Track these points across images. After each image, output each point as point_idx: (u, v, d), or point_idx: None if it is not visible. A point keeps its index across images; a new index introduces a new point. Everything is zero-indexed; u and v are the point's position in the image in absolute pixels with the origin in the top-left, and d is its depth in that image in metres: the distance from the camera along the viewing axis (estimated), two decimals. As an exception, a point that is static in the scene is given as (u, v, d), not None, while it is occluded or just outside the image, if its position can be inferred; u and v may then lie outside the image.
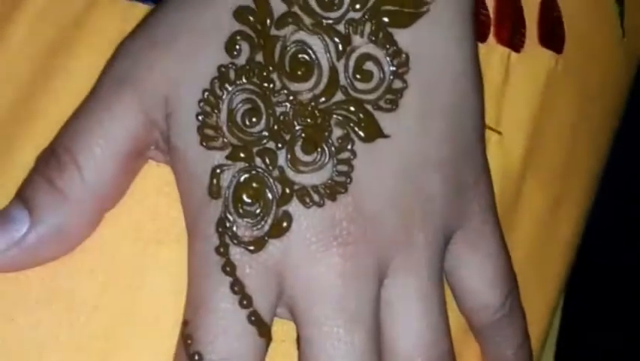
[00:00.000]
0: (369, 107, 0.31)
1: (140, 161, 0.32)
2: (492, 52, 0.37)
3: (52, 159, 0.31)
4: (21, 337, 0.31)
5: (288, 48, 0.30)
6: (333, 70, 0.31)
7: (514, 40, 0.38)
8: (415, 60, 0.31)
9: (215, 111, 0.30)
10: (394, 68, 0.31)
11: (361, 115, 0.31)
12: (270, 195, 0.30)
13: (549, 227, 0.39)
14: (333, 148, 0.30)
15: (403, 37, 0.31)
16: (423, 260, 0.31)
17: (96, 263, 0.32)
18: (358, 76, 0.31)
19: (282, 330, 0.32)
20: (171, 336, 0.31)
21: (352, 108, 0.31)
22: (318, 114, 0.30)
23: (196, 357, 0.30)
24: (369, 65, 0.31)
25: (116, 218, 0.32)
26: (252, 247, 0.30)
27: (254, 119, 0.30)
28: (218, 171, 0.30)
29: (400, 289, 0.31)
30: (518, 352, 0.35)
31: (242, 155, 0.30)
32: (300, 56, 0.30)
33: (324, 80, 0.31)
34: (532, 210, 0.38)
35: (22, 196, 0.31)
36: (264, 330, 0.30)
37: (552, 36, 0.39)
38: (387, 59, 0.31)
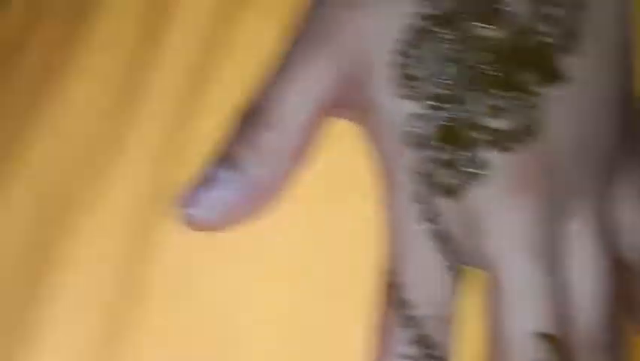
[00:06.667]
0: (551, 49, 0.31)
1: (324, 118, 0.32)
2: None
3: (250, 118, 0.31)
4: (219, 294, 0.32)
5: None
6: (520, 14, 0.31)
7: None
8: None
9: (411, 62, 0.30)
10: (573, 9, 0.31)
11: (546, 58, 0.31)
12: (466, 142, 0.30)
13: None
14: (523, 93, 0.30)
15: None
16: (596, 206, 0.32)
17: (289, 220, 0.32)
18: (541, 18, 0.31)
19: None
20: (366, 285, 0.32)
21: (538, 51, 0.31)
22: (507, 59, 0.30)
23: (402, 304, 0.30)
24: (549, 7, 0.31)
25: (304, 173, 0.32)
26: (451, 195, 0.30)
27: (448, 68, 0.30)
28: (414, 120, 0.30)
29: (576, 235, 0.31)
30: None
31: (437, 104, 0.30)
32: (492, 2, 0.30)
33: (513, 24, 0.31)
34: None
35: (225, 156, 0.31)
36: (459, 275, 0.30)
37: None
38: None
